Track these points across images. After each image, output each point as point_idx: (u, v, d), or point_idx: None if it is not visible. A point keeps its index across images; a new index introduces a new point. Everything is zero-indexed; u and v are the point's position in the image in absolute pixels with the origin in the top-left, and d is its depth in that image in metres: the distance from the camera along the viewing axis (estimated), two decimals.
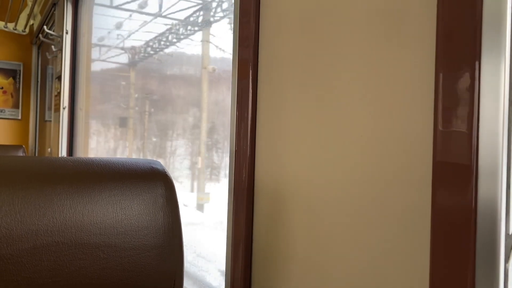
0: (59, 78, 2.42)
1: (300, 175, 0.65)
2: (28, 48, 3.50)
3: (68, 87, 2.35)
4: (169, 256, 0.58)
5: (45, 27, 2.60)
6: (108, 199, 0.55)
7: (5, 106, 3.44)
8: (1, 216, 0.49)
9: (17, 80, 3.47)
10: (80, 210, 0.53)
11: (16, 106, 3.47)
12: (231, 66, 0.83)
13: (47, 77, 3.09)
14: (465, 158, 0.42)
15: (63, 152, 2.34)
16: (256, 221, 0.76)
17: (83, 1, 2.32)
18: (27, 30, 3.15)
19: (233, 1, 0.85)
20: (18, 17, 3.03)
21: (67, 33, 2.33)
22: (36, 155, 3.39)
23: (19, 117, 3.49)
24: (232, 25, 0.84)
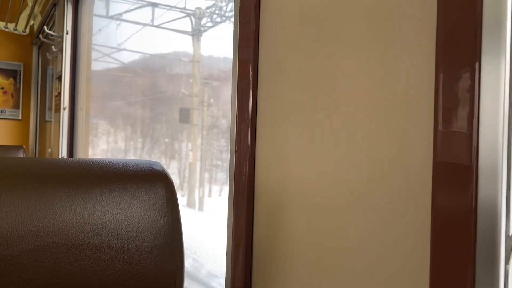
0: (59, 78, 2.42)
1: (300, 176, 0.65)
2: (29, 48, 3.50)
3: (69, 87, 2.35)
4: (170, 257, 0.58)
5: (45, 27, 2.60)
6: (109, 200, 0.55)
7: (6, 107, 3.44)
8: (1, 217, 0.49)
9: (18, 80, 3.47)
10: (81, 212, 0.53)
11: (16, 106, 3.48)
12: None
13: (48, 78, 3.09)
14: (465, 158, 0.42)
15: (63, 152, 2.34)
16: (256, 221, 0.76)
17: (83, 2, 2.32)
18: (27, 30, 3.15)
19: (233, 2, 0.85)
20: (19, 17, 3.03)
21: (67, 33, 2.34)
22: (37, 155, 3.39)
23: (20, 118, 3.49)
24: (233, 26, 0.84)
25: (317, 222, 0.62)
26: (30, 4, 2.81)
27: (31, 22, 3.13)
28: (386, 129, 0.52)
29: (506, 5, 0.41)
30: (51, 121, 2.66)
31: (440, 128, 0.45)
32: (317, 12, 0.63)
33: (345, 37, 0.58)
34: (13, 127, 3.47)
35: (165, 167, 0.63)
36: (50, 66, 2.91)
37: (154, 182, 0.59)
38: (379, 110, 0.53)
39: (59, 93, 2.41)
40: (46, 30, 2.51)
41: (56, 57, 2.52)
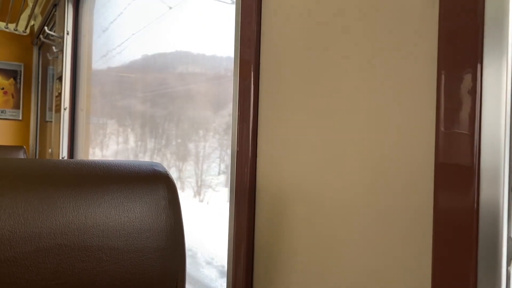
0: (60, 78, 2.42)
1: (301, 176, 0.65)
2: (29, 48, 3.50)
3: (69, 87, 2.36)
4: (172, 258, 0.58)
5: (46, 27, 2.60)
6: (111, 201, 0.56)
7: (6, 107, 3.44)
8: (4, 218, 0.49)
9: (18, 80, 3.47)
10: (83, 213, 0.54)
11: (17, 106, 3.48)
12: None
13: (48, 78, 3.09)
14: (467, 159, 0.42)
15: (64, 153, 2.35)
16: (257, 222, 0.76)
17: (83, 2, 2.32)
18: (27, 30, 3.15)
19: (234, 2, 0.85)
20: (19, 18, 3.03)
21: (68, 33, 2.34)
22: (37, 156, 3.39)
23: (20, 118, 3.49)
24: (234, 26, 0.84)
25: (319, 223, 0.62)
26: (30, 4, 2.81)
27: (32, 22, 3.13)
28: (387, 130, 0.52)
29: (508, 6, 0.41)
30: (51, 121, 2.66)
31: (442, 129, 0.45)
32: (319, 12, 0.63)
33: (347, 37, 0.58)
34: (13, 128, 3.47)
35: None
36: (51, 67, 2.92)
37: (156, 183, 0.60)
38: (381, 110, 0.53)
39: (60, 94, 2.41)
40: (47, 31, 2.51)
41: (57, 57, 2.52)
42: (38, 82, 3.46)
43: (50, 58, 2.67)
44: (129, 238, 0.55)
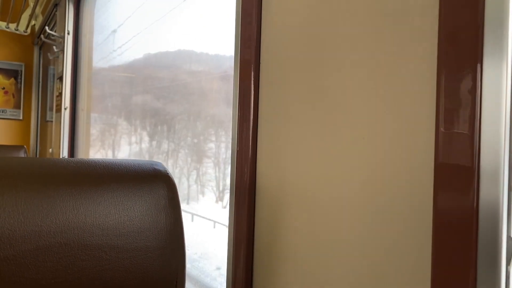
0: (60, 78, 2.43)
1: (301, 176, 0.65)
2: (30, 48, 3.50)
3: (70, 87, 2.36)
4: (171, 257, 0.58)
5: (46, 27, 2.60)
6: (111, 200, 0.56)
7: (7, 107, 3.44)
8: (4, 217, 0.49)
9: (19, 80, 3.47)
10: (83, 211, 0.54)
11: (17, 106, 3.48)
12: None
13: (49, 78, 3.10)
14: (467, 159, 0.42)
15: (64, 152, 2.35)
16: (257, 222, 0.76)
17: (84, 2, 2.33)
18: (28, 30, 3.15)
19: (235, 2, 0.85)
20: (20, 17, 3.03)
21: (68, 33, 2.34)
22: (38, 155, 3.39)
23: (21, 118, 3.49)
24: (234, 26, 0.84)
25: (319, 223, 0.62)
26: (31, 4, 2.81)
27: (33, 22, 3.14)
28: (387, 130, 0.52)
29: (508, 6, 0.41)
30: (52, 121, 2.66)
31: (441, 129, 0.45)
32: (319, 12, 0.63)
33: (347, 37, 0.58)
34: (14, 127, 3.47)
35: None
36: (51, 66, 2.92)
37: (156, 183, 0.60)
38: (381, 111, 0.53)
39: (60, 93, 2.41)
40: (48, 30, 2.51)
41: (57, 57, 2.52)
42: (39, 81, 3.47)
43: (50, 58, 2.68)
44: (129, 237, 0.55)
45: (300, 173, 0.66)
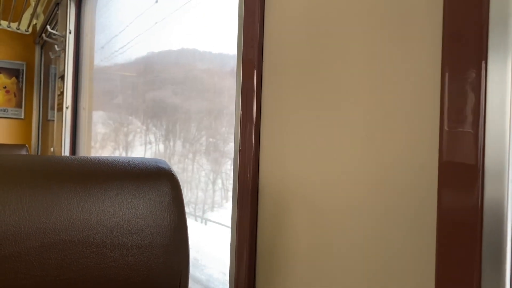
0: (62, 77, 2.43)
1: (304, 176, 0.65)
2: (31, 47, 3.50)
3: (71, 86, 2.36)
4: (175, 255, 0.58)
5: (48, 26, 2.60)
6: (115, 197, 0.56)
7: (8, 106, 3.45)
8: (9, 214, 0.49)
9: (20, 79, 3.48)
10: (87, 209, 0.54)
11: (19, 105, 3.48)
12: None
13: (50, 77, 3.10)
14: (471, 158, 0.42)
15: (66, 151, 2.35)
16: (260, 222, 0.76)
17: (86, 1, 2.33)
18: (30, 29, 3.16)
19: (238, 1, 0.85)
20: (21, 16, 3.04)
21: (70, 32, 2.34)
22: (39, 154, 3.39)
23: (22, 117, 3.50)
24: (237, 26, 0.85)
25: (322, 223, 0.62)
26: (33, 3, 2.82)
27: (34, 21, 3.14)
28: (391, 128, 0.52)
29: None
30: (53, 120, 2.67)
31: (445, 127, 0.45)
32: (322, 12, 0.63)
33: (350, 36, 0.58)
34: (15, 126, 3.48)
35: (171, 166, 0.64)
36: (53, 65, 2.92)
37: (159, 180, 0.60)
38: (384, 109, 0.53)
39: (62, 92, 2.42)
40: (49, 29, 2.52)
41: (59, 56, 2.52)
42: (40, 81, 3.47)
43: (52, 57, 2.68)
44: (133, 235, 0.56)
45: (303, 172, 0.66)
